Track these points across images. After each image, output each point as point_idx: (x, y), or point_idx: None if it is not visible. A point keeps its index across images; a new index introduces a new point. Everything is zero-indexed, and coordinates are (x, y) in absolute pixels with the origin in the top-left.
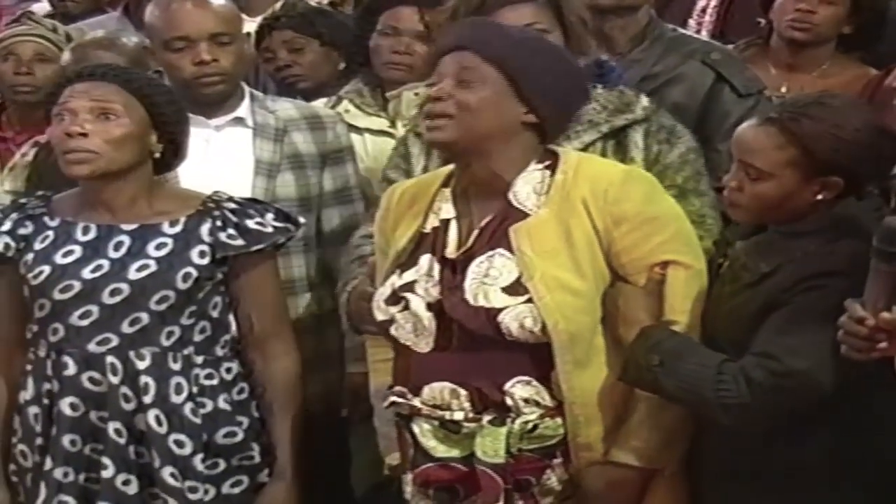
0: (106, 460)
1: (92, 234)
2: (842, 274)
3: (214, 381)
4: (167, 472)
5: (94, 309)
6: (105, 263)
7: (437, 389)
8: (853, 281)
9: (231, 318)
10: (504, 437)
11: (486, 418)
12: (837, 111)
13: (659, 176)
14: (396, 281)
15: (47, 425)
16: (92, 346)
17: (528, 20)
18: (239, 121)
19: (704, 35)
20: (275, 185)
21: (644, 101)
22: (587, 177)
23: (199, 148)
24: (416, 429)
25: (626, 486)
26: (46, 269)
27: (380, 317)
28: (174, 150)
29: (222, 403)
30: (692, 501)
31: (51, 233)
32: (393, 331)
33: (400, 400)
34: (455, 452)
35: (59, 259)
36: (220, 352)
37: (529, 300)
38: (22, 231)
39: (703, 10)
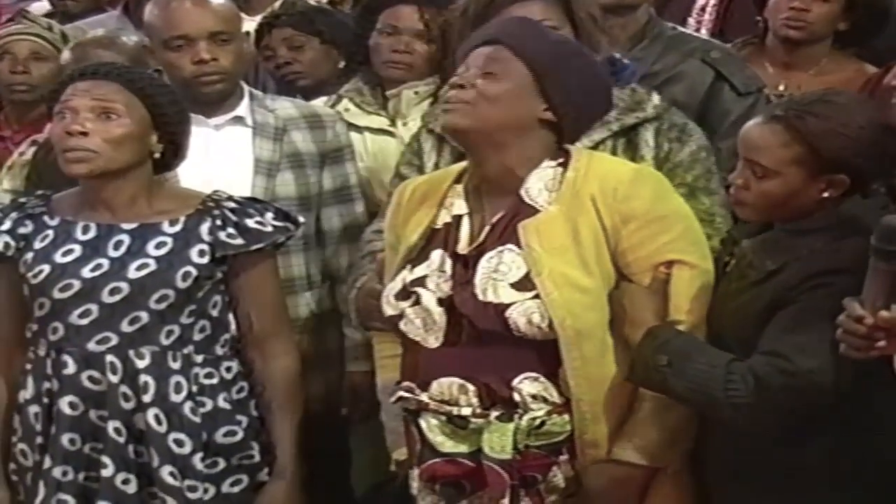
0: (105, 459)
1: (92, 234)
2: (848, 272)
3: (214, 381)
4: (166, 471)
5: (94, 308)
6: (105, 262)
7: (446, 384)
8: (859, 279)
9: (231, 317)
10: (511, 433)
11: (494, 414)
12: (843, 109)
13: (669, 174)
14: (407, 276)
15: (47, 424)
16: (91, 345)
17: (538, 17)
18: (238, 120)
19: (704, 33)
20: (274, 184)
21: (655, 99)
22: (597, 174)
23: (198, 147)
24: (423, 424)
25: (628, 484)
26: (46, 268)
27: (389, 312)
28: (174, 151)
29: (222, 402)
30: (697, 502)
31: (50, 232)
32: (402, 326)
33: (407, 395)
34: (462, 448)
35: (58, 258)
36: (219, 351)
37: (537, 296)
38: (22, 230)
39: (703, 9)
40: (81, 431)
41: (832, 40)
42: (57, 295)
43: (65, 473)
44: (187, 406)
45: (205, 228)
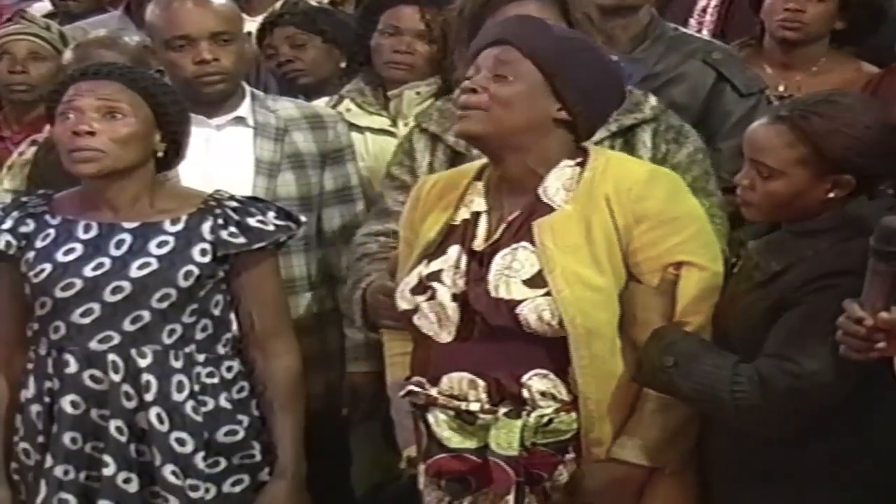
0: (107, 458)
1: (93, 233)
2: (854, 273)
3: (215, 380)
4: (168, 471)
5: (96, 307)
6: (106, 261)
7: (456, 379)
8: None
9: (232, 316)
10: (519, 429)
11: (502, 410)
12: (848, 109)
13: None
14: (423, 270)
15: (48, 423)
16: (93, 344)
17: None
18: (240, 120)
19: (705, 34)
20: (275, 184)
21: (652, 100)
22: (613, 174)
23: (199, 147)
24: (430, 419)
25: (626, 484)
26: (48, 267)
27: (404, 306)
28: (176, 149)
29: (223, 402)
30: (701, 502)
31: (52, 231)
32: (416, 320)
33: (417, 389)
34: (469, 443)
35: (60, 257)
36: (221, 350)
37: (548, 293)
38: (23, 229)
39: (704, 10)
40: (83, 430)
41: (829, 39)
42: (58, 294)
43: (66, 472)
44: (189, 405)
45: (206, 227)
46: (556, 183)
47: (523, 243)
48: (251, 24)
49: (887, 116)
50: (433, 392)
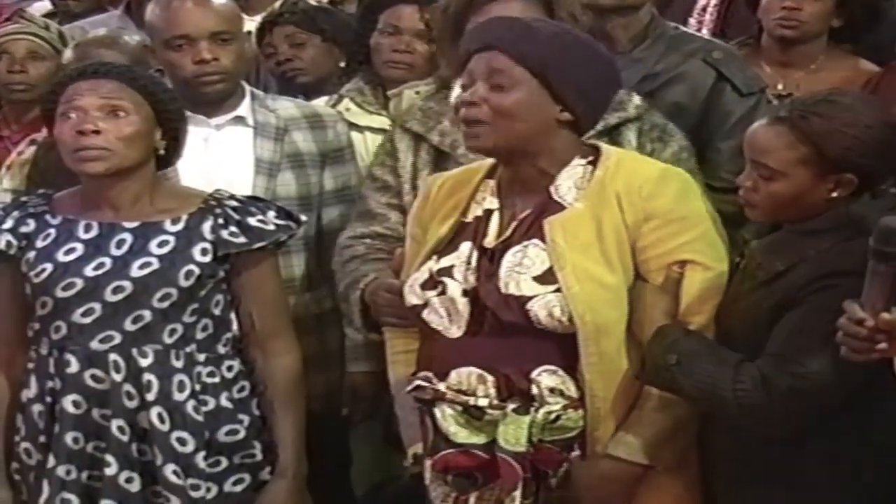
0: (109, 458)
1: (94, 232)
2: (856, 273)
3: (216, 379)
4: (169, 470)
5: (97, 307)
6: (107, 261)
7: (465, 374)
8: None
9: (233, 315)
10: (527, 425)
11: (510, 406)
12: (848, 108)
13: None
14: (434, 266)
15: (50, 423)
16: (94, 344)
17: (518, 15)
18: (239, 120)
19: (705, 33)
20: (275, 184)
21: (636, 99)
22: (625, 172)
23: (199, 147)
24: (437, 413)
25: (618, 481)
26: (48, 266)
27: (413, 300)
28: (175, 147)
29: (224, 401)
30: (702, 502)
31: (52, 231)
32: (425, 315)
33: (424, 384)
34: (476, 439)
35: (60, 257)
36: (221, 349)
37: (559, 290)
38: (24, 229)
39: (704, 9)
40: (85, 430)
41: (827, 37)
42: (59, 294)
43: (68, 472)
44: (190, 405)
45: (207, 227)
46: (568, 181)
47: (534, 240)
48: (251, 24)
49: (888, 115)
50: (441, 387)
